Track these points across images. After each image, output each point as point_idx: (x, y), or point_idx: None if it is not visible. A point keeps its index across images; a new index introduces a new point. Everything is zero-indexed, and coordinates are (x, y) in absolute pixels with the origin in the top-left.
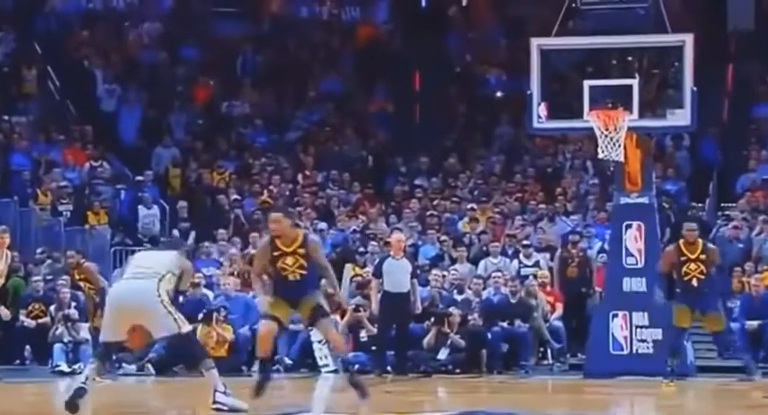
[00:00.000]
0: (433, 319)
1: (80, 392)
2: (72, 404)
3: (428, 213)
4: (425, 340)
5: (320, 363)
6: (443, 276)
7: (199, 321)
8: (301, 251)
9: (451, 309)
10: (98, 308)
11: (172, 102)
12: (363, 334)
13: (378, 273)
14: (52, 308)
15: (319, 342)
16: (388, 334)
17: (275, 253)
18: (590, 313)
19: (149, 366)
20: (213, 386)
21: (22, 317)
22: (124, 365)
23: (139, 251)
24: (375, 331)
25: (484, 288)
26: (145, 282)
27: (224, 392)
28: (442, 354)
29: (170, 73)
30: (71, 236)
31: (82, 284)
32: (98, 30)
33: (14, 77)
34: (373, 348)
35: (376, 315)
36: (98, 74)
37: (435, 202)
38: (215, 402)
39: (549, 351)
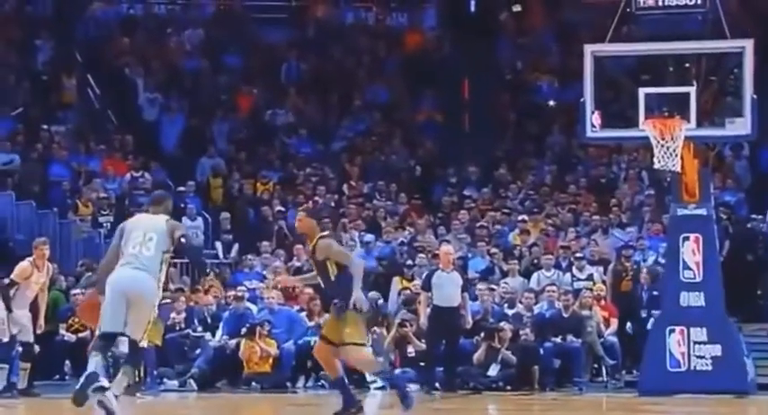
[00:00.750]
0: (483, 334)
1: (91, 380)
2: (81, 396)
3: (478, 224)
4: (475, 356)
5: (368, 379)
6: (493, 289)
7: (242, 335)
8: (314, 256)
9: (502, 324)
10: None
11: (214, 111)
12: (411, 350)
13: (427, 286)
14: None
15: None
16: (437, 350)
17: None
18: (646, 329)
19: (192, 381)
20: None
21: (61, 331)
22: (166, 380)
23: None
24: (423, 346)
25: (536, 302)
26: (147, 276)
27: (116, 397)
28: (493, 370)
29: (212, 81)
30: None
31: None
32: (139, 37)
33: (54, 86)
34: (422, 363)
35: (424, 330)
36: (139, 82)
37: (485, 213)
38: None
39: (603, 368)
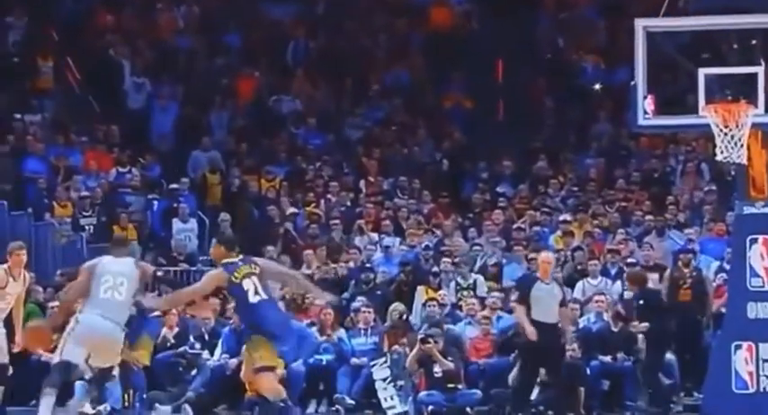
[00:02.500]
0: (517, 351)
1: None
2: None
3: (514, 226)
4: (511, 376)
5: (385, 404)
6: None
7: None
8: None
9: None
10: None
11: (211, 98)
12: (437, 369)
13: (524, 299)
14: None
15: (384, 380)
16: (535, 371)
17: None
18: (708, 345)
19: (187, 406)
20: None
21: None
22: (157, 405)
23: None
24: (451, 365)
25: (581, 315)
26: (115, 328)
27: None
28: (532, 392)
29: (209, 63)
30: (94, 255)
31: None
32: (125, 14)
33: (28, 69)
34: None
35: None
36: (125, 64)
37: (522, 213)
38: None
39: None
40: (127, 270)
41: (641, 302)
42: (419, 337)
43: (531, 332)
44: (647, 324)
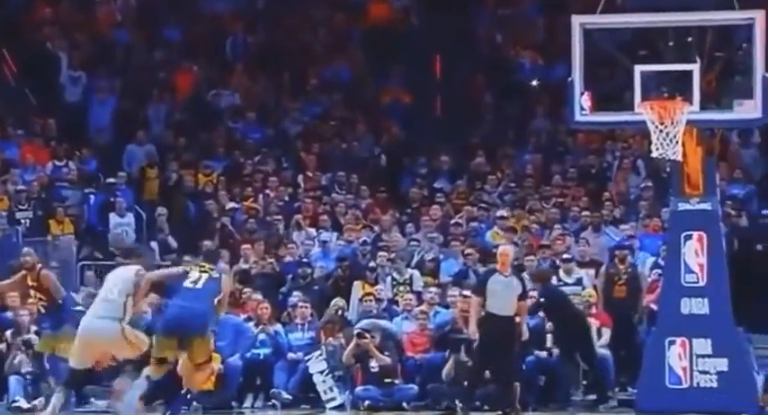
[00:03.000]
0: (450, 348)
1: None
2: None
3: (451, 222)
4: (444, 372)
5: (325, 397)
6: (467, 296)
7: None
8: None
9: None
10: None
11: (149, 92)
12: (374, 364)
13: (480, 291)
14: (8, 333)
15: (321, 373)
16: (488, 364)
17: None
18: (642, 340)
19: None
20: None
21: None
22: (93, 400)
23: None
24: (387, 360)
25: None
26: (110, 323)
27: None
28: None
29: (147, 57)
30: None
31: (32, 293)
32: (62, 6)
33: None
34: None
35: (474, 341)
36: (62, 57)
37: (459, 209)
38: None
39: (594, 384)
40: (126, 276)
41: (542, 300)
42: (355, 332)
43: (473, 332)
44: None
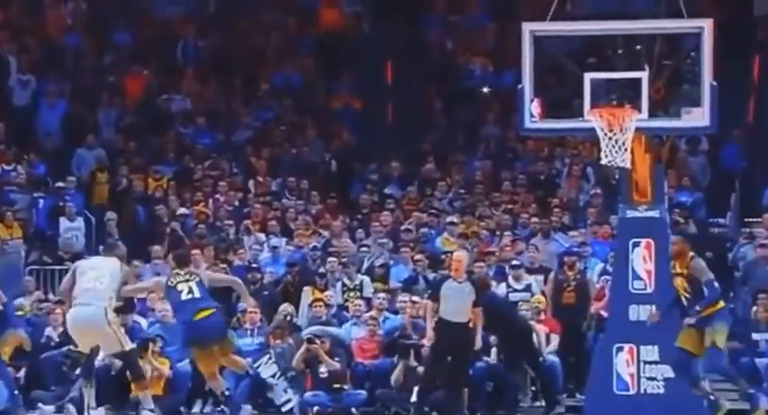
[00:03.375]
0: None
1: None
2: None
3: (401, 228)
4: (393, 377)
5: (280, 400)
6: (416, 302)
7: None
8: None
9: (425, 340)
10: None
11: (99, 96)
12: (323, 370)
13: (434, 296)
14: None
15: (273, 376)
16: (439, 370)
17: None
18: (590, 347)
19: (70, 406)
20: (144, 405)
21: None
22: (41, 405)
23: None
24: (337, 365)
25: None
26: (95, 309)
27: (151, 410)
28: (415, 394)
29: (97, 61)
30: None
31: None
32: (11, 10)
33: None
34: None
35: (428, 346)
36: (11, 61)
37: (409, 215)
38: None
39: (542, 391)
40: (111, 267)
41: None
42: (305, 337)
43: (429, 337)
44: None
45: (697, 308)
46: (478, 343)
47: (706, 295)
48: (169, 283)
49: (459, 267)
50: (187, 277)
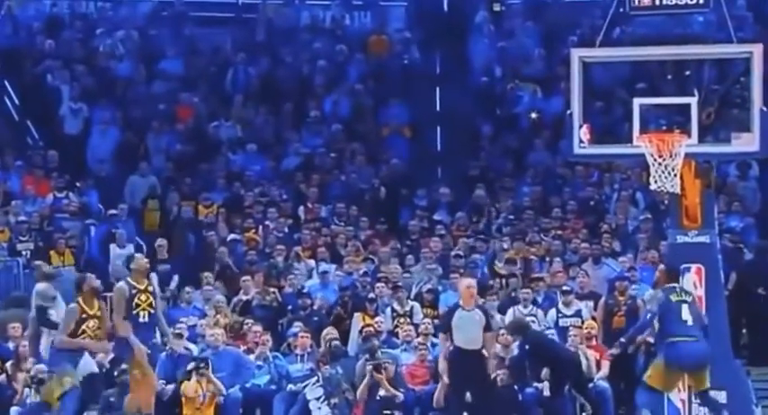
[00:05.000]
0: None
1: None
2: None
3: (451, 253)
4: (435, 399)
5: None
6: None
7: (182, 379)
8: None
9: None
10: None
11: (149, 124)
12: (382, 393)
13: (446, 327)
14: (9, 365)
15: (317, 399)
16: (462, 398)
17: None
18: (640, 372)
19: None
20: None
21: None
22: None
23: None
24: (397, 392)
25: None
26: None
27: None
28: None
29: (147, 89)
30: (30, 280)
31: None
32: (64, 40)
33: None
34: None
35: (445, 377)
36: (64, 89)
37: (458, 241)
38: None
39: None
40: None
41: (527, 347)
42: (371, 365)
43: (442, 370)
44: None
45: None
46: (494, 367)
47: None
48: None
49: (468, 294)
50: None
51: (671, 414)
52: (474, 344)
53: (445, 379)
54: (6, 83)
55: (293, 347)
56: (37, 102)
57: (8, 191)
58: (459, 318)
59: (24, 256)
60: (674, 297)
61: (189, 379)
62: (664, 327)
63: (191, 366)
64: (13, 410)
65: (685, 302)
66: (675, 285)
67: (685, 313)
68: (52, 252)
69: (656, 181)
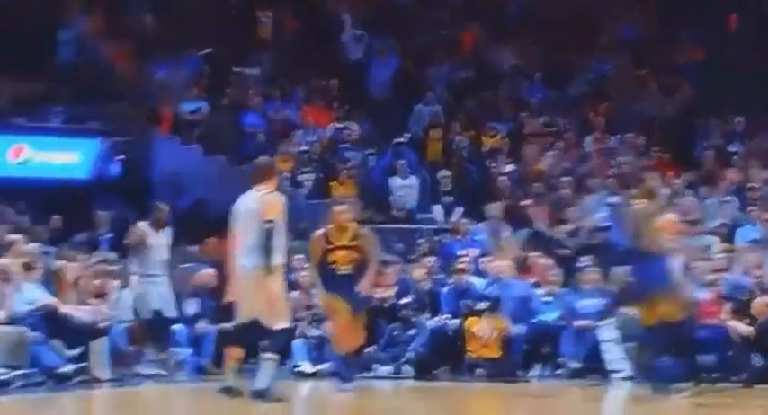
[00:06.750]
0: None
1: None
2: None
3: (748, 186)
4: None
5: (610, 367)
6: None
7: (465, 314)
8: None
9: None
10: None
11: (431, 52)
12: None
13: None
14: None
15: (610, 341)
16: None
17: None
18: None
19: (408, 366)
20: None
21: None
22: (377, 366)
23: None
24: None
25: None
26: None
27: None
28: None
29: (428, 16)
30: (313, 211)
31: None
32: None
33: (248, 22)
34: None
35: None
36: (345, 17)
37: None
38: None
39: None
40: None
41: None
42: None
43: None
44: None
45: None
46: None
47: None
48: None
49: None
50: None
51: None
52: None
53: None
54: (286, 13)
55: (582, 281)
56: (317, 29)
57: (289, 121)
58: None
59: (306, 187)
60: None
61: (475, 315)
62: None
63: (480, 305)
64: (297, 342)
65: None
66: None
67: None
68: (333, 183)
69: None
